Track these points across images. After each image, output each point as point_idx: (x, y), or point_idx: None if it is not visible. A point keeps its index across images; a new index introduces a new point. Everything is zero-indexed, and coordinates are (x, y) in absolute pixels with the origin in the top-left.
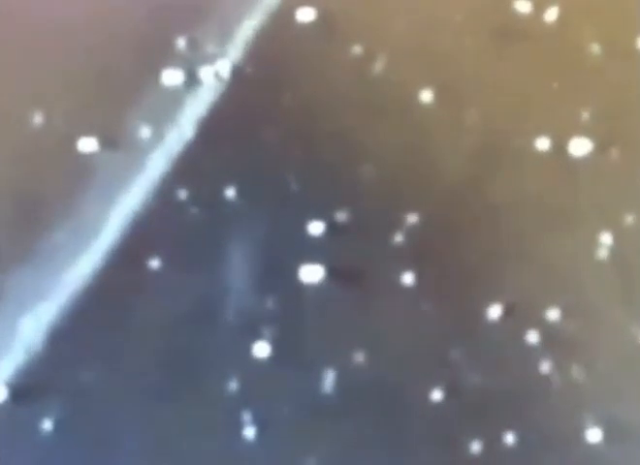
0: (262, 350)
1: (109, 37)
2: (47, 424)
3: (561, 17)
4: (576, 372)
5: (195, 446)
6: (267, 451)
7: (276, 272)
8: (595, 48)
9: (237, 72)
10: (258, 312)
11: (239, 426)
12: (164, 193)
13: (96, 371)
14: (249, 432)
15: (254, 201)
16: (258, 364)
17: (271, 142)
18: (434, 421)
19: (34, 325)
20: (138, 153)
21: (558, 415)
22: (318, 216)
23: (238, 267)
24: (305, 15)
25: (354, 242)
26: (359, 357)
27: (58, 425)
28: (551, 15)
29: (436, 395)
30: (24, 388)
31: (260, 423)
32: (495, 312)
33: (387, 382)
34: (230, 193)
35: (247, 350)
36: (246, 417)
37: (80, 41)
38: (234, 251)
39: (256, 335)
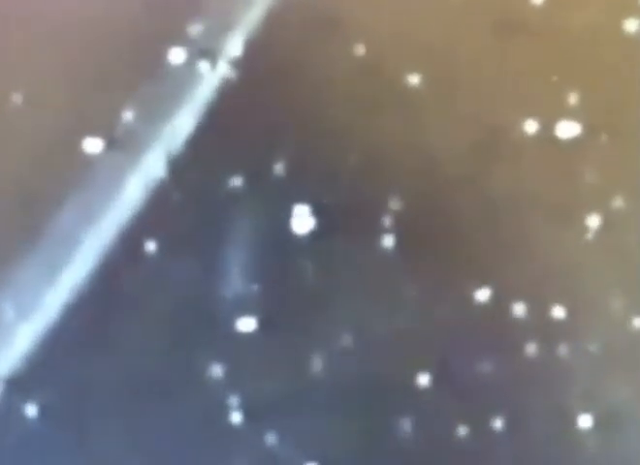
0: (250, 332)
1: (105, 33)
2: (32, 410)
3: (549, 1)
4: (566, 357)
5: (181, 432)
6: (253, 437)
7: (266, 262)
8: (584, 31)
9: (235, 67)
10: (248, 295)
11: (225, 411)
12: (162, 188)
13: (85, 358)
14: (236, 417)
15: (249, 191)
16: (245, 347)
17: (267, 135)
18: (421, 406)
19: (31, 317)
20: (135, 148)
21: (547, 400)
22: (307, 203)
23: (233, 256)
24: None
25: (342, 228)
26: (346, 342)
27: (44, 411)
28: None
29: (423, 380)
30: (14, 376)
31: (247, 408)
32: (483, 295)
33: (374, 366)
34: (226, 184)
35: (237, 335)
36: (233, 401)
37: (75, 36)
38: (229, 241)
39: (245, 319)
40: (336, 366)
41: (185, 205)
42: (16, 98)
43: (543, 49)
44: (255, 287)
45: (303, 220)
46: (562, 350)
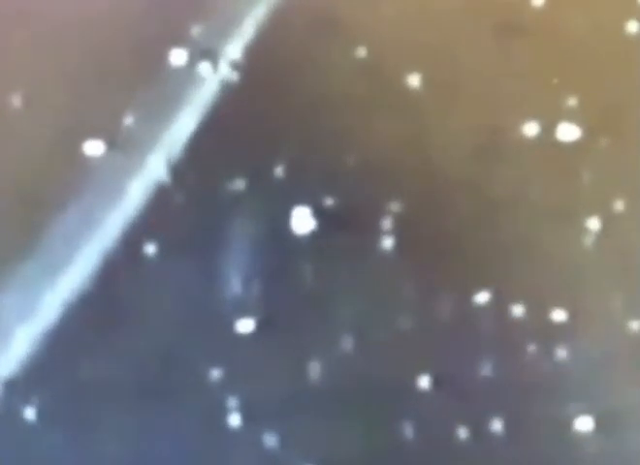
0: (249, 334)
1: (105, 35)
2: (30, 413)
3: (550, 2)
4: (566, 359)
5: (180, 433)
6: (252, 439)
7: (266, 263)
8: (585, 33)
9: (236, 69)
10: (248, 297)
11: (223, 413)
12: (162, 190)
13: (85, 360)
14: (234, 420)
15: (250, 194)
16: (245, 348)
17: (267, 137)
18: (422, 409)
19: (31, 319)
20: (136, 150)
21: (547, 402)
22: (307, 205)
23: (233, 258)
24: None
25: (342, 230)
26: (345, 344)
27: (42, 414)
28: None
29: (423, 383)
30: (13, 379)
31: (245, 410)
32: (483, 297)
33: (374, 368)
34: (226, 186)
35: (236, 337)
36: (231, 403)
37: (76, 38)
38: (229, 243)
39: (245, 321)
40: (335, 368)
41: (186, 207)
42: (17, 100)
43: (544, 52)
44: (255, 288)
45: (303, 222)
46: (562, 352)
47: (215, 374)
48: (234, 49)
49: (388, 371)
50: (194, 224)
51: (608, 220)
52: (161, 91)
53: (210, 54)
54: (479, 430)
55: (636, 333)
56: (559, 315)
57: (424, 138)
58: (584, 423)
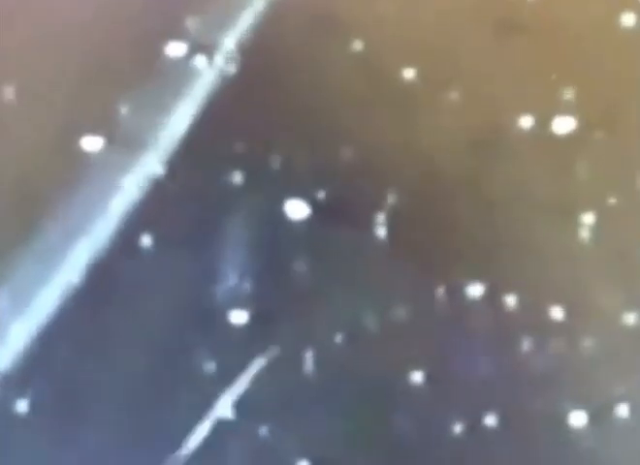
0: (242, 326)
1: (102, 28)
2: (23, 406)
3: None
4: (560, 353)
5: (174, 427)
6: (246, 432)
7: (260, 256)
8: (581, 26)
9: (232, 62)
10: (241, 290)
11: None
12: (158, 182)
13: (79, 354)
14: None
15: (246, 186)
16: (237, 341)
17: (263, 129)
18: (416, 403)
19: (26, 312)
20: (132, 143)
21: (541, 397)
22: (302, 198)
23: (229, 250)
24: None
25: (336, 223)
26: (339, 339)
27: (35, 407)
28: None
29: (417, 377)
30: (7, 372)
31: (239, 403)
32: (478, 291)
33: (368, 363)
34: (222, 179)
35: (230, 329)
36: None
37: (74, 32)
38: (225, 235)
39: (238, 313)
40: (329, 361)
41: (181, 200)
42: (14, 95)
43: (540, 45)
44: (249, 281)
45: (297, 215)
46: (557, 346)
47: (209, 367)
48: (230, 42)
49: (382, 364)
50: (190, 217)
51: (603, 214)
52: (158, 84)
53: (207, 47)
54: (474, 425)
55: (631, 327)
56: (553, 309)
57: (419, 131)
58: (578, 418)
